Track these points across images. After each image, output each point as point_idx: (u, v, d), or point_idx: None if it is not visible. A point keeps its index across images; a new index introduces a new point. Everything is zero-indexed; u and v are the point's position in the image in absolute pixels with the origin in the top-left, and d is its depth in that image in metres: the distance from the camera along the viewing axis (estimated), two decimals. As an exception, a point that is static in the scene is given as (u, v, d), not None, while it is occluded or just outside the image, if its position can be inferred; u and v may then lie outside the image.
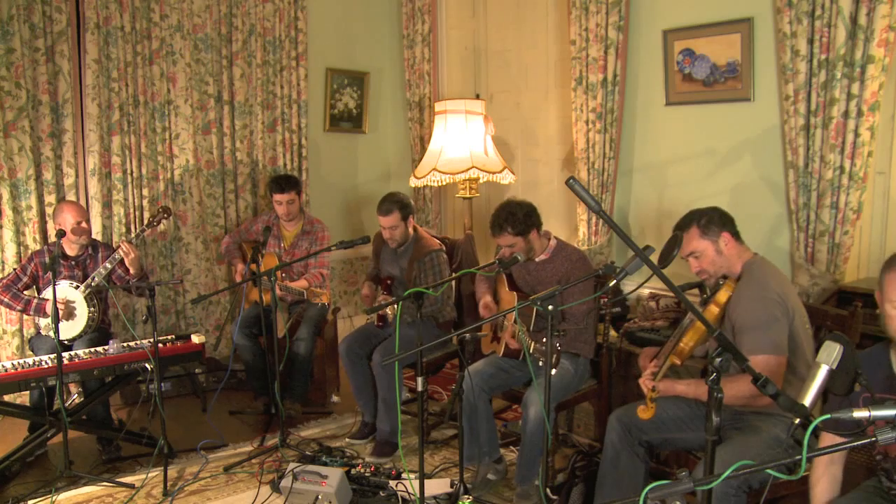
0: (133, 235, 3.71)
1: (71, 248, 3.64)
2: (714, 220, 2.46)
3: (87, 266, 3.67)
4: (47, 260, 3.62)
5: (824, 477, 1.99)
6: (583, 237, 4.14)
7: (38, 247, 3.92)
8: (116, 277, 3.72)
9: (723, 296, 2.40)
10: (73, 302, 3.58)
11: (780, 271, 2.48)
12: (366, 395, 3.74)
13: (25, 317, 3.96)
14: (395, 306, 3.52)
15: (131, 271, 3.62)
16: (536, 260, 3.17)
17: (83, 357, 3.29)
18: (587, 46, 3.94)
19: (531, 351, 2.60)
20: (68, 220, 3.56)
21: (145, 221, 3.85)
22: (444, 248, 3.83)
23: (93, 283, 3.59)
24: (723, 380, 2.17)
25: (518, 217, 3.03)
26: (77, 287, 3.58)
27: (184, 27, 4.40)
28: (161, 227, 4.38)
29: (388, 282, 3.77)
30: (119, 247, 3.59)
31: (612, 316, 3.53)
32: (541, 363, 2.37)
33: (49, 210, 4.01)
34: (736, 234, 2.48)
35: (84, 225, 3.61)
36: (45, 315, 3.58)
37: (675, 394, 2.40)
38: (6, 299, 3.56)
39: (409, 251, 3.77)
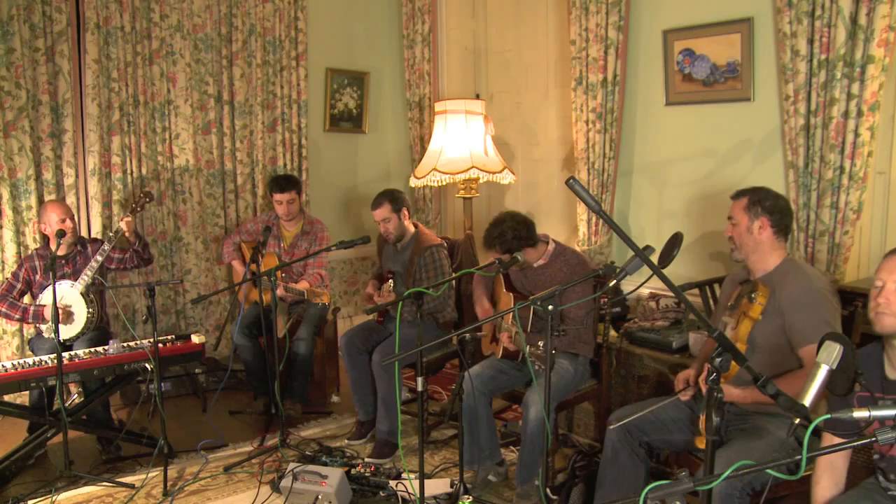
0: (112, 234, 3.70)
1: (60, 248, 3.64)
2: (763, 204, 2.48)
3: (78, 263, 3.67)
4: (37, 263, 3.63)
5: (825, 476, 2.00)
6: (583, 237, 4.13)
7: (37, 246, 3.92)
8: (116, 262, 3.75)
9: (756, 310, 2.32)
10: (71, 306, 3.58)
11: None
12: (363, 391, 3.74)
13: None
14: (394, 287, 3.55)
15: (131, 240, 3.75)
16: (534, 265, 3.17)
17: (83, 357, 3.29)
18: (587, 46, 3.94)
19: (526, 353, 2.59)
20: (53, 218, 3.57)
21: (129, 209, 3.85)
22: (444, 243, 3.84)
23: (87, 278, 3.58)
24: (783, 379, 2.22)
25: (507, 238, 3.03)
26: (73, 285, 3.57)
27: (184, 27, 4.40)
28: (160, 218, 4.38)
29: (389, 275, 3.78)
30: (115, 231, 3.66)
31: (612, 316, 3.53)
32: (537, 367, 2.35)
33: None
34: (779, 228, 2.48)
35: (69, 223, 3.61)
36: (44, 321, 3.57)
37: (732, 399, 2.34)
38: (3, 309, 3.56)
39: (409, 247, 3.79)
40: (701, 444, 2.26)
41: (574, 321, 3.06)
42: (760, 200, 2.49)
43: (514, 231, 3.04)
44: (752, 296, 2.32)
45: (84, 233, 4.15)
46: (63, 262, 3.65)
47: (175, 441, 3.55)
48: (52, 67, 3.99)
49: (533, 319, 2.96)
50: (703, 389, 2.36)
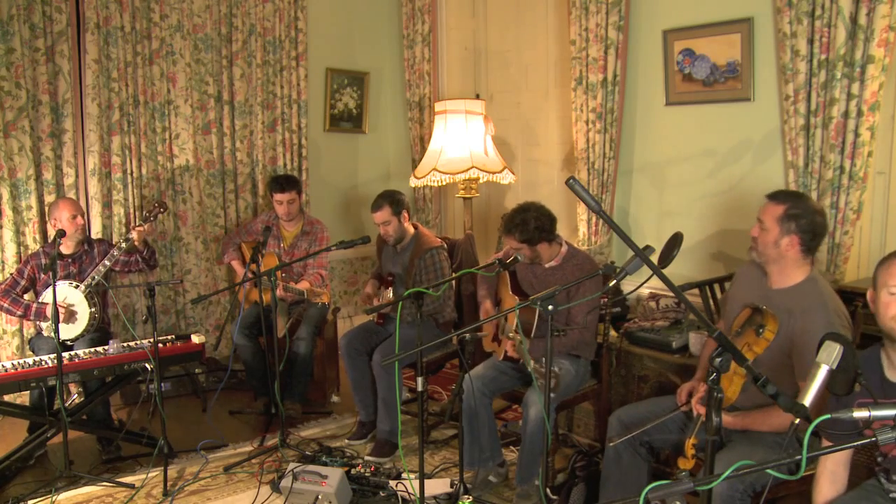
0: (121, 240, 3.69)
1: (67, 247, 3.64)
2: (799, 221, 2.30)
3: (84, 262, 3.67)
4: (43, 261, 3.63)
5: (825, 476, 2.00)
6: (583, 237, 4.13)
7: (38, 247, 3.91)
8: (122, 265, 3.75)
9: (761, 346, 2.19)
10: (74, 305, 3.57)
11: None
12: (363, 391, 3.75)
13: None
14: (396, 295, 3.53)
15: (140, 248, 3.75)
16: (546, 266, 3.16)
17: (83, 357, 3.28)
18: (587, 46, 3.94)
19: (530, 369, 2.56)
20: (64, 214, 3.56)
21: (141, 217, 3.85)
22: (444, 245, 3.84)
23: (93, 282, 3.59)
24: (761, 412, 2.24)
25: (528, 228, 3.02)
26: (77, 287, 3.58)
27: (184, 27, 4.40)
28: (160, 218, 4.38)
29: (390, 278, 3.78)
30: (126, 239, 3.65)
31: (612, 316, 3.53)
32: (539, 383, 2.32)
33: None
34: (808, 248, 2.34)
35: (80, 219, 3.62)
36: (45, 319, 3.57)
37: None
38: (6, 304, 3.56)
39: (409, 249, 3.79)
40: (684, 465, 2.20)
41: (579, 325, 3.04)
42: (797, 217, 2.30)
43: (538, 221, 3.02)
44: (761, 330, 2.18)
45: (84, 233, 4.15)
46: (69, 260, 3.65)
47: (175, 441, 3.55)
48: (52, 67, 3.99)
49: (538, 323, 2.93)
50: (696, 412, 2.33)
